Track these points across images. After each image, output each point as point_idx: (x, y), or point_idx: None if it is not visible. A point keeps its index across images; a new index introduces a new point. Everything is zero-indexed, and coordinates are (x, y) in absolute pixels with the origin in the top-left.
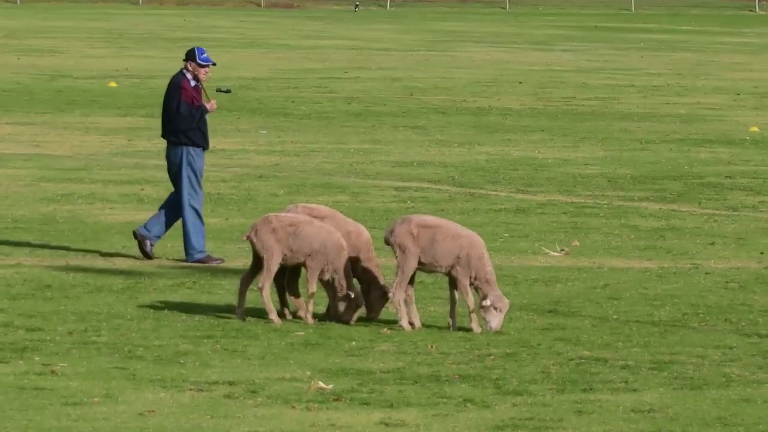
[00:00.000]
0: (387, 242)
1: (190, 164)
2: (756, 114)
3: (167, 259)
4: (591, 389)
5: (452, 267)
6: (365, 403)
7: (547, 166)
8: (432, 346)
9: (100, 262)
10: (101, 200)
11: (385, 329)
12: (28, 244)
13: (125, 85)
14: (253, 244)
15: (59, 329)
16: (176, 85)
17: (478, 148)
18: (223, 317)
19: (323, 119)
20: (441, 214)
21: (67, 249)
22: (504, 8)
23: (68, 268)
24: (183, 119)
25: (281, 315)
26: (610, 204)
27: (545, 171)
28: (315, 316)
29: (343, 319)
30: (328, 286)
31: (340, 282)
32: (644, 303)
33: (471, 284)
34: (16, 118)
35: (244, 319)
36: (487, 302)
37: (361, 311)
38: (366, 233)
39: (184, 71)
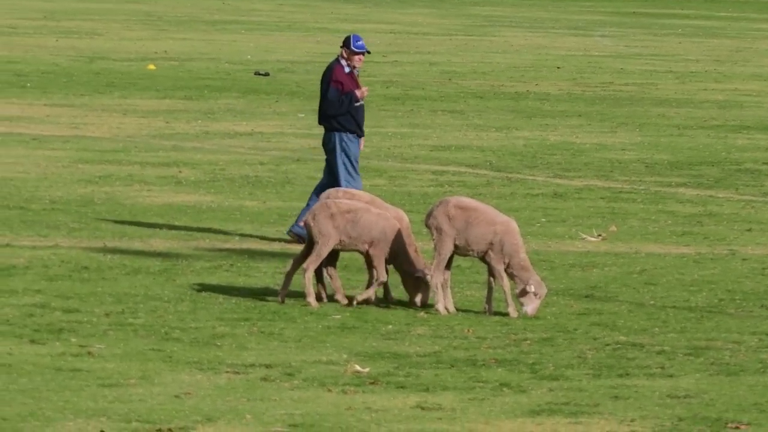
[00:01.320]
0: (427, 225)
1: (344, 151)
2: None
3: (205, 241)
4: (627, 374)
5: (485, 252)
6: (401, 387)
7: (585, 151)
8: (468, 331)
9: (138, 244)
10: (139, 182)
11: (422, 313)
12: (65, 226)
13: (164, 67)
14: (309, 228)
15: (96, 311)
16: (329, 70)
17: (516, 132)
18: (260, 300)
19: None
20: (478, 199)
21: (105, 230)
22: None
23: (105, 250)
24: (331, 104)
25: (318, 298)
26: (648, 189)
27: (583, 156)
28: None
29: (412, 301)
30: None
31: (402, 265)
32: (681, 288)
33: (506, 270)
34: (54, 100)
35: (282, 301)
36: (530, 288)
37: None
38: (406, 218)
39: (339, 58)
